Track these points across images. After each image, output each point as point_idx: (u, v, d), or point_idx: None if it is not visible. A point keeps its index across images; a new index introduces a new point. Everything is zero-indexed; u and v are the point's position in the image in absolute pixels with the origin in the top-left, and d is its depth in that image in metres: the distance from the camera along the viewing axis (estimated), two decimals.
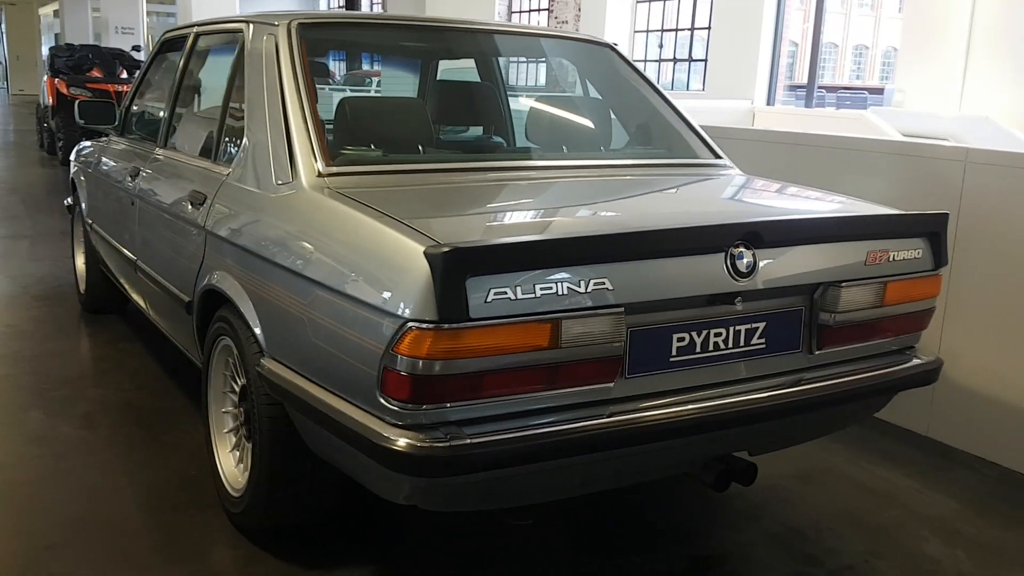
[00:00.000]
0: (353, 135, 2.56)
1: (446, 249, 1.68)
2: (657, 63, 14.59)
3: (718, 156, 2.93)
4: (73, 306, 4.72)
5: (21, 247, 6.27)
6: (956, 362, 3.28)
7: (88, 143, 4.62)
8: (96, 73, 11.59)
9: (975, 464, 3.18)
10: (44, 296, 4.95)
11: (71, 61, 11.67)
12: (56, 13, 24.13)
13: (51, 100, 11.18)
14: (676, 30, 14.78)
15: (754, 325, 2.07)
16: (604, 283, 1.82)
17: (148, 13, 19.96)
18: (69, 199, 4.80)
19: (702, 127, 3.01)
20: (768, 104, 12.46)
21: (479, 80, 3.41)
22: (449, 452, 1.72)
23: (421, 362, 1.71)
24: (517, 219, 2.29)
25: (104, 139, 4.25)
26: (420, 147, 2.69)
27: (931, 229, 2.31)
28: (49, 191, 9.42)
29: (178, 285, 2.88)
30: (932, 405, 3.36)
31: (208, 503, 2.66)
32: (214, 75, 3.13)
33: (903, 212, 2.35)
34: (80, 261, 4.64)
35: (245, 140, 2.58)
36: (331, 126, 2.64)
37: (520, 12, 17.41)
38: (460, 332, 1.71)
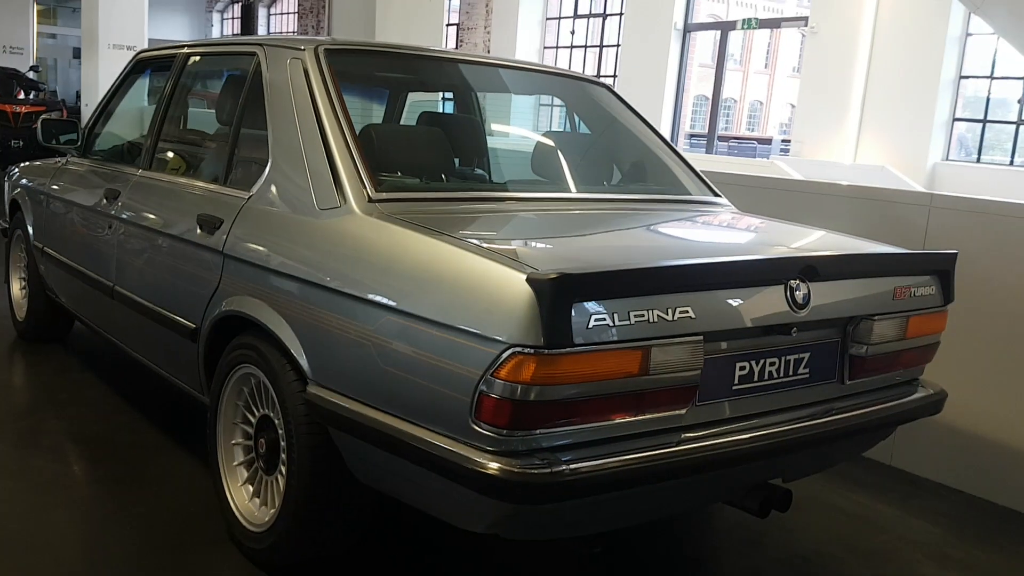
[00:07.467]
0: (381, 162, 2.54)
1: (553, 275, 1.69)
2: None
3: (716, 194, 3.04)
4: (6, 335, 4.45)
5: None
6: None
7: (28, 163, 4.40)
8: None
9: (940, 491, 3.36)
10: None
11: None
12: None
13: None
14: (585, 46, 16.16)
15: (801, 355, 2.16)
16: (688, 312, 1.87)
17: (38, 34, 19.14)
18: (3, 222, 4.55)
19: None
20: None
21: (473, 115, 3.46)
22: (549, 479, 1.72)
23: (520, 387, 1.71)
24: (584, 246, 2.34)
25: (57, 160, 4.05)
26: (443, 176, 2.69)
27: (942, 267, 2.47)
28: None
29: (179, 311, 2.77)
30: (895, 435, 3.54)
31: (216, 539, 2.55)
32: (216, 98, 3.05)
33: (921, 251, 2.50)
34: (16, 288, 4.40)
35: (269, 165, 2.53)
36: None
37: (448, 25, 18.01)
38: (559, 358, 1.72)
